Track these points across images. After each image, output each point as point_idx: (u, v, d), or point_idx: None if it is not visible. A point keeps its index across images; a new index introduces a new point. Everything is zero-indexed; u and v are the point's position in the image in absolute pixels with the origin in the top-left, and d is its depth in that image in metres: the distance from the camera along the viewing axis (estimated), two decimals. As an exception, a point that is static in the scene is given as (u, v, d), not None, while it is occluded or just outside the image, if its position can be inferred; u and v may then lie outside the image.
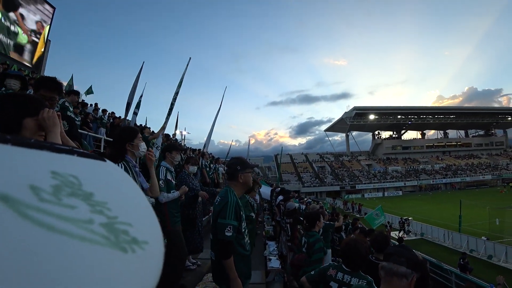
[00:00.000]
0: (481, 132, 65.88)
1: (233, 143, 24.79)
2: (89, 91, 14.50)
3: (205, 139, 10.33)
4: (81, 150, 0.36)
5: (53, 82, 1.89)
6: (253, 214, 3.52)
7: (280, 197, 7.12)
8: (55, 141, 1.20)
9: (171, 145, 4.00)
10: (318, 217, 3.75)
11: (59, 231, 0.23)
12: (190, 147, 14.79)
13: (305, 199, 20.21)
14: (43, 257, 0.21)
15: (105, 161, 0.39)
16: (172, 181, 3.37)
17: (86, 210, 0.27)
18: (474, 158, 59.26)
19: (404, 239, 14.11)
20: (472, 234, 14.71)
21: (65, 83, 14.03)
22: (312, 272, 2.59)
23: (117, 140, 2.13)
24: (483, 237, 13.97)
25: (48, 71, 15.80)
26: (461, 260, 9.75)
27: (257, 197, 6.18)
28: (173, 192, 3.27)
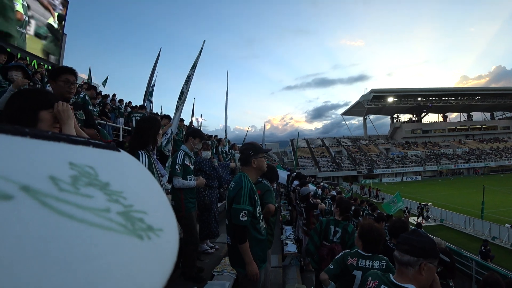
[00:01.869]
0: (509, 114, 62.67)
1: (249, 129, 24.89)
2: (105, 82, 15.00)
3: (221, 125, 10.41)
4: (97, 141, 0.37)
5: (71, 68, 1.94)
6: (276, 204, 3.41)
7: (296, 182, 7.13)
8: (70, 132, 1.23)
9: (197, 131, 3.86)
10: (350, 206, 3.65)
11: (78, 219, 0.24)
12: (206, 134, 15.02)
13: (321, 183, 20.14)
14: (65, 244, 0.22)
15: (119, 151, 0.40)
16: (190, 166, 3.36)
17: (103, 199, 0.28)
18: (499, 142, 56.88)
19: (423, 225, 13.89)
20: (495, 221, 14.27)
21: (85, 76, 14.44)
22: (331, 266, 2.46)
23: (146, 129, 2.20)
24: (506, 224, 13.39)
25: (66, 64, 16.17)
26: (483, 247, 9.52)
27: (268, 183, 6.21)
28: (190, 179, 3.28)
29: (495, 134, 60.25)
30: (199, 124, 20.94)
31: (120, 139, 7.51)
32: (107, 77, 15.46)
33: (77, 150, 0.33)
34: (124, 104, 10.82)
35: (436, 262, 1.47)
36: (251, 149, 2.15)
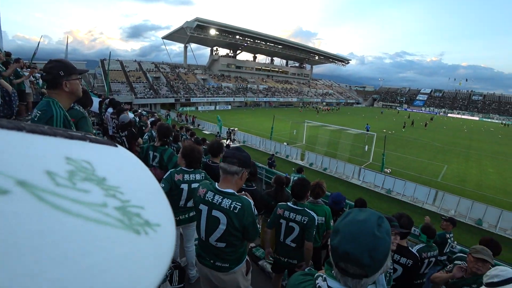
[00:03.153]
0: (296, 64, 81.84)
1: (42, 40, 18.76)
2: None
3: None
4: (93, 137, 0.37)
5: None
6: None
7: (110, 110, 6.38)
8: None
9: None
10: (168, 132, 3.66)
11: (75, 214, 0.24)
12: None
13: (139, 110, 19.10)
14: (61, 239, 0.22)
15: (116, 146, 0.40)
16: None
17: (100, 194, 0.28)
18: (288, 84, 73.72)
19: (231, 146, 16.71)
20: (278, 141, 19.35)
21: None
22: (162, 185, 2.76)
23: None
24: (284, 143, 18.60)
25: None
26: (269, 159, 12.88)
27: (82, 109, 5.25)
28: None
29: (286, 78, 77.30)
30: None
31: None
32: None
33: (73, 145, 0.33)
34: None
35: (249, 170, 1.96)
36: (61, 68, 1.64)
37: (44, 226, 0.22)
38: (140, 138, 5.32)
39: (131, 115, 7.07)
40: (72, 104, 2.06)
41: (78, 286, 0.20)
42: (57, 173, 0.26)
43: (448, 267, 2.96)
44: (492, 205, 10.30)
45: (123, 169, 0.36)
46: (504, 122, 60.99)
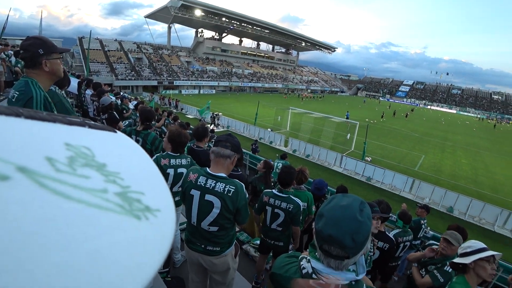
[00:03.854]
0: (283, 50, 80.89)
1: (11, 13, 17.40)
2: None
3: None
4: (93, 122, 0.36)
5: None
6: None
7: (89, 91, 6.15)
8: None
9: None
10: (151, 115, 3.60)
11: (76, 199, 0.24)
12: None
13: (121, 93, 18.48)
14: (63, 224, 0.22)
15: (116, 132, 0.40)
16: None
17: (100, 180, 0.28)
18: (274, 69, 73.06)
19: (215, 130, 16.58)
20: (262, 127, 19.36)
21: None
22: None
23: None
24: (268, 129, 18.61)
25: None
26: (253, 145, 12.88)
27: (58, 91, 5.03)
28: None
29: (272, 63, 76.58)
30: None
31: None
32: None
33: (73, 131, 0.33)
34: None
35: (239, 155, 2.02)
36: (41, 46, 1.55)
37: (45, 211, 0.22)
38: (120, 122, 5.19)
39: (112, 97, 6.84)
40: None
41: (81, 269, 0.21)
42: (57, 159, 0.26)
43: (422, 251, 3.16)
44: (463, 194, 10.89)
45: (123, 155, 0.36)
46: (479, 116, 63.64)
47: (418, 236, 4.93)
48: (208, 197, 1.88)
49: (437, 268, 2.55)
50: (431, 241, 3.76)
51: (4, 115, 0.27)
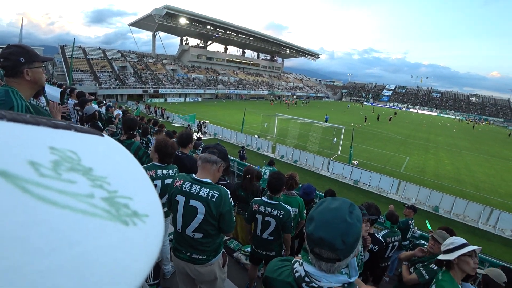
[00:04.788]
0: (268, 57, 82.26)
1: None
2: None
3: None
4: (79, 126, 0.36)
5: None
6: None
7: (72, 101, 6.01)
8: None
9: None
10: (134, 124, 3.54)
11: (61, 205, 0.23)
12: None
13: (105, 102, 18.13)
14: (47, 230, 0.21)
15: (102, 136, 0.39)
16: None
17: (86, 184, 0.28)
18: (259, 76, 73.72)
19: (202, 138, 16.45)
20: (249, 134, 19.36)
21: None
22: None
23: None
24: (256, 136, 18.63)
25: None
26: (240, 152, 12.88)
27: (43, 100, 4.90)
28: None
29: (257, 70, 77.31)
30: None
31: None
32: None
33: (58, 134, 0.32)
34: None
35: (226, 164, 2.05)
36: (22, 54, 1.50)
37: (28, 217, 0.21)
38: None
39: (95, 106, 6.70)
40: None
41: (65, 276, 0.20)
42: (41, 164, 0.26)
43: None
44: (447, 193, 11.20)
45: (110, 159, 0.35)
46: (457, 118, 66.14)
47: (407, 237, 5.02)
48: (193, 202, 1.88)
49: (424, 265, 2.62)
50: (421, 241, 3.83)
51: None
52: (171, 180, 2.75)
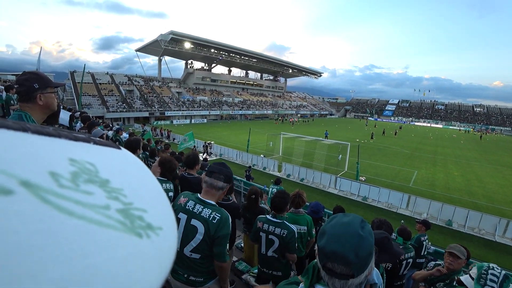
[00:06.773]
0: (271, 77, 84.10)
1: (4, 49, 17.71)
2: None
3: None
4: (97, 139, 0.37)
5: None
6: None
7: (80, 124, 6.15)
8: None
9: None
10: (137, 145, 3.59)
11: (77, 215, 0.24)
12: None
13: (112, 126, 18.49)
14: (63, 240, 0.22)
15: (120, 149, 0.40)
16: None
17: (102, 196, 0.28)
18: (263, 96, 75.14)
19: (208, 159, 16.49)
20: (255, 153, 19.42)
21: None
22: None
23: None
24: (261, 155, 18.61)
25: None
26: (247, 172, 12.86)
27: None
28: None
29: (261, 90, 78.93)
30: None
31: None
32: None
33: (77, 147, 0.32)
34: None
35: (230, 185, 2.03)
36: (36, 80, 1.57)
37: (46, 226, 0.22)
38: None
39: (101, 131, 6.83)
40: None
41: (77, 286, 0.21)
42: (61, 174, 0.26)
43: (429, 265, 3.10)
44: (459, 206, 10.90)
45: (126, 172, 0.36)
46: (462, 129, 65.83)
47: (422, 254, 4.85)
48: (194, 221, 1.89)
49: (446, 284, 2.48)
50: (437, 261, 3.70)
51: (12, 129, 0.27)
52: (172, 193, 2.88)
